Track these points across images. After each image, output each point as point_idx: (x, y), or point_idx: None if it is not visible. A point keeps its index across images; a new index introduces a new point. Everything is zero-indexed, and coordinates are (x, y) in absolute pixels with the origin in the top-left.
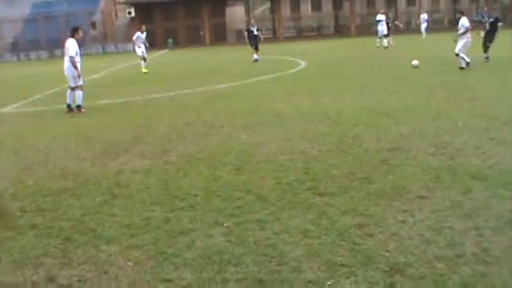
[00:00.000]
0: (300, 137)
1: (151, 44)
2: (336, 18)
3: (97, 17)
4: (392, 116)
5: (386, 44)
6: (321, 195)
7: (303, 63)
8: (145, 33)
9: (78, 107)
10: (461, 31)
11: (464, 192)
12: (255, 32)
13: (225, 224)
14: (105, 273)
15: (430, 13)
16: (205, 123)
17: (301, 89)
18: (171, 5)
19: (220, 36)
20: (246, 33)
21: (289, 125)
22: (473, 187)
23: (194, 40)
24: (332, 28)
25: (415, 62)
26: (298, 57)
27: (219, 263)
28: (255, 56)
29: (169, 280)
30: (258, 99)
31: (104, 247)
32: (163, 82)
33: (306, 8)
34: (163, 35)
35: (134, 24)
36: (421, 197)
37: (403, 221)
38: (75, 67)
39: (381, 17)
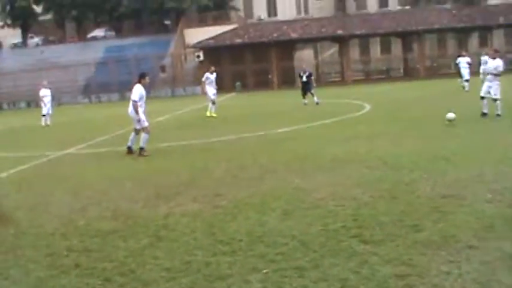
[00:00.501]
0: (353, 182)
1: (220, 87)
2: (405, 60)
3: (167, 61)
4: (452, 161)
5: (467, 88)
6: (365, 242)
7: (367, 107)
8: (214, 74)
9: (141, 149)
10: (494, 72)
11: None
12: (304, 78)
13: (264, 271)
14: None
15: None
16: (260, 167)
17: (361, 133)
18: (239, 48)
19: (288, 79)
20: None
21: (343, 171)
22: None
23: (262, 83)
24: (401, 70)
25: (450, 115)
26: (363, 101)
27: None
28: (305, 101)
29: None
30: (316, 143)
31: None
32: (226, 125)
33: (375, 51)
34: (231, 79)
35: (203, 67)
36: (471, 247)
37: (448, 273)
38: (136, 111)
39: (462, 59)
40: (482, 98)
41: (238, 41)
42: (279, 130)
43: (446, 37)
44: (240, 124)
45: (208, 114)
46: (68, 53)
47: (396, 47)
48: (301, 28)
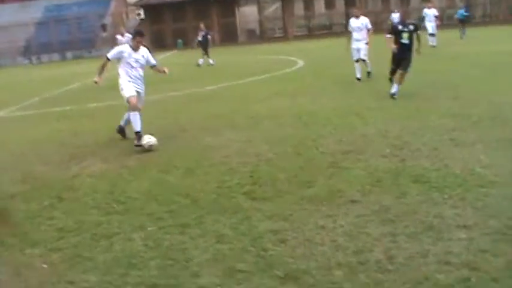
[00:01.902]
0: (262, 139)
1: (161, 45)
2: (348, 16)
3: (107, 20)
4: (364, 117)
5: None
6: (253, 199)
7: (301, 63)
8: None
9: (120, 128)
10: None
11: (398, 196)
12: (200, 38)
13: (149, 228)
14: (18, 275)
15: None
16: (177, 127)
17: (286, 89)
18: (180, 5)
19: (230, 36)
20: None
21: (257, 128)
22: (410, 191)
23: None
24: (344, 26)
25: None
26: (299, 57)
27: (126, 267)
28: (201, 61)
29: (72, 282)
30: (239, 101)
31: (28, 250)
32: (157, 84)
33: (320, 6)
34: (173, 36)
35: (144, 25)
36: (353, 202)
37: (323, 227)
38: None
39: (429, 11)
40: (357, 61)
41: None
42: (207, 88)
43: None
44: (171, 83)
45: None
46: (6, 13)
47: (340, 2)
48: None
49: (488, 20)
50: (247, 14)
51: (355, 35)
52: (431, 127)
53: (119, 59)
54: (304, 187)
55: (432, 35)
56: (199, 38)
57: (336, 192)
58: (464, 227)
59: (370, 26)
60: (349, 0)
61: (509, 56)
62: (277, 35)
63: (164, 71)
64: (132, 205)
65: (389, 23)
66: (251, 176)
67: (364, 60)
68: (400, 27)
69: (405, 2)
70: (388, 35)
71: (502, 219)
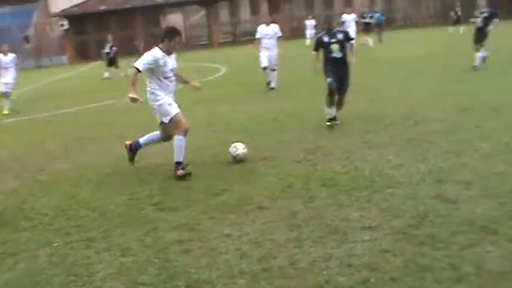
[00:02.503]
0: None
1: (86, 56)
2: (272, 21)
3: (30, 31)
4: (282, 122)
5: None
6: (162, 210)
7: (223, 70)
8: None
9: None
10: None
11: (306, 201)
12: (106, 49)
13: (55, 244)
14: None
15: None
16: (94, 139)
17: (207, 97)
18: (104, 16)
19: (156, 45)
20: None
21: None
22: (319, 195)
23: (128, 50)
24: None
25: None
26: (222, 64)
27: (29, 285)
28: (106, 74)
29: None
30: None
31: None
32: (80, 96)
33: (245, 13)
34: (97, 47)
35: (67, 36)
36: (261, 208)
37: (228, 235)
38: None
39: (347, 16)
40: (265, 68)
41: (103, 7)
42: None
43: None
44: (94, 93)
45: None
46: None
47: (265, 8)
48: None
49: (409, 23)
50: (173, 22)
51: (265, 42)
52: (346, 130)
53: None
54: (214, 195)
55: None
56: (107, 50)
57: (246, 200)
58: (369, 228)
59: (280, 34)
60: (273, 6)
61: (427, 59)
62: (203, 42)
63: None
64: (40, 221)
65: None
66: (161, 188)
67: (273, 70)
68: (325, 38)
69: (328, 7)
70: (313, 52)
71: (406, 218)
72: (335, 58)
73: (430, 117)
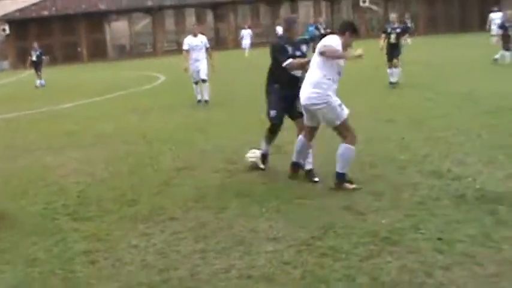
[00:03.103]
0: (102, 158)
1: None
2: (217, 30)
3: None
4: (207, 132)
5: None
6: (75, 220)
7: (162, 79)
8: None
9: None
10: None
11: (217, 211)
12: (34, 57)
13: None
14: None
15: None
16: (22, 147)
17: (140, 106)
18: (46, 21)
19: (100, 52)
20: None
21: (100, 146)
22: (231, 205)
23: (71, 57)
24: (213, 41)
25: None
26: (162, 72)
27: None
28: (38, 82)
29: None
30: (91, 118)
31: None
32: (14, 102)
33: (191, 21)
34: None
35: (9, 41)
36: (172, 219)
37: (136, 246)
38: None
39: (245, 32)
40: (197, 83)
41: (45, 13)
42: (64, 106)
43: (259, 7)
44: (28, 100)
45: None
46: None
47: (210, 16)
48: (110, 0)
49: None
50: (118, 30)
51: (194, 54)
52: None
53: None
54: (128, 206)
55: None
56: (33, 58)
57: (158, 210)
58: (274, 239)
59: (208, 45)
60: (219, 14)
61: (363, 72)
62: (148, 50)
63: None
64: None
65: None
66: (78, 197)
67: (204, 81)
68: (290, 49)
69: (274, 16)
70: (285, 62)
71: (311, 229)
72: (293, 77)
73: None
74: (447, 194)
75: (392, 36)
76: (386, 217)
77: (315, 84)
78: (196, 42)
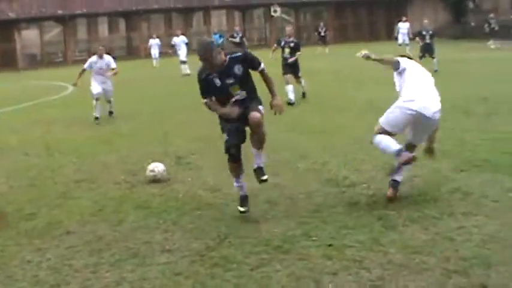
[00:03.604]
0: (2, 171)
1: None
2: (129, 39)
3: None
4: (112, 144)
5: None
6: None
7: (71, 89)
8: None
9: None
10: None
11: (115, 224)
12: None
13: None
14: None
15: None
16: None
17: (45, 118)
18: None
19: (9, 62)
20: None
21: (2, 159)
22: (128, 218)
23: None
24: (125, 50)
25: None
26: (71, 82)
27: None
28: None
29: None
30: None
31: None
32: None
33: (104, 30)
34: None
35: None
36: (68, 233)
37: (29, 261)
38: None
39: (177, 39)
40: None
41: None
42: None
43: (172, 16)
44: None
45: None
46: None
47: (122, 26)
48: (20, 7)
49: (264, 43)
50: (29, 38)
51: (99, 77)
52: (173, 152)
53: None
54: (26, 220)
55: (184, 62)
56: None
57: (55, 224)
58: (168, 251)
59: (114, 65)
60: (131, 24)
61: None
62: (59, 59)
63: None
64: None
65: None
66: None
67: (109, 101)
68: (217, 81)
69: (188, 25)
70: (203, 100)
71: (206, 240)
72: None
73: None
74: (341, 201)
75: (286, 51)
76: (280, 225)
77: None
78: (100, 64)
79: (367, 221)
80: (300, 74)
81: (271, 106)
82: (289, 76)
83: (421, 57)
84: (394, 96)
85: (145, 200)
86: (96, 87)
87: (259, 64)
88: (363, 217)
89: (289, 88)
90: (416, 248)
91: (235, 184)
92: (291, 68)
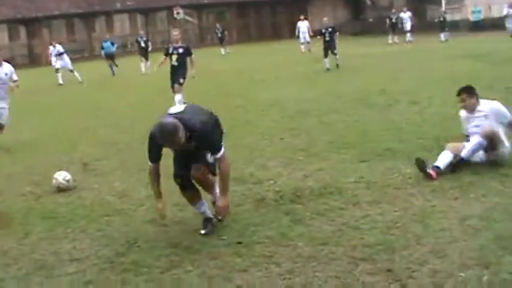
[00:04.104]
0: None
1: None
2: (30, 47)
3: None
4: (16, 154)
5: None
6: None
7: None
8: None
9: None
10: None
11: (21, 237)
12: None
13: None
14: None
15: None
16: None
17: None
18: None
19: None
20: None
21: None
22: (35, 229)
23: None
24: (27, 57)
25: None
26: None
27: None
28: None
29: None
30: None
31: None
32: None
33: (4, 38)
34: None
35: None
36: None
37: None
38: None
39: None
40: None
41: None
42: None
43: (74, 22)
44: None
45: None
46: None
47: (23, 33)
48: None
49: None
50: None
51: None
52: (78, 159)
53: None
54: None
55: (57, 70)
56: None
57: None
58: (77, 260)
59: (16, 78)
60: (32, 31)
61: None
62: None
63: None
64: None
65: None
66: None
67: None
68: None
69: (90, 31)
70: (150, 163)
71: (115, 246)
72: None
73: None
74: (248, 198)
75: (174, 58)
76: (189, 227)
77: None
78: None
79: (274, 217)
80: (181, 81)
81: (214, 206)
82: (177, 87)
83: (325, 56)
84: (296, 95)
85: (51, 210)
86: None
87: (218, 151)
88: (270, 213)
89: (177, 98)
90: (323, 239)
91: (198, 209)
92: (176, 74)
